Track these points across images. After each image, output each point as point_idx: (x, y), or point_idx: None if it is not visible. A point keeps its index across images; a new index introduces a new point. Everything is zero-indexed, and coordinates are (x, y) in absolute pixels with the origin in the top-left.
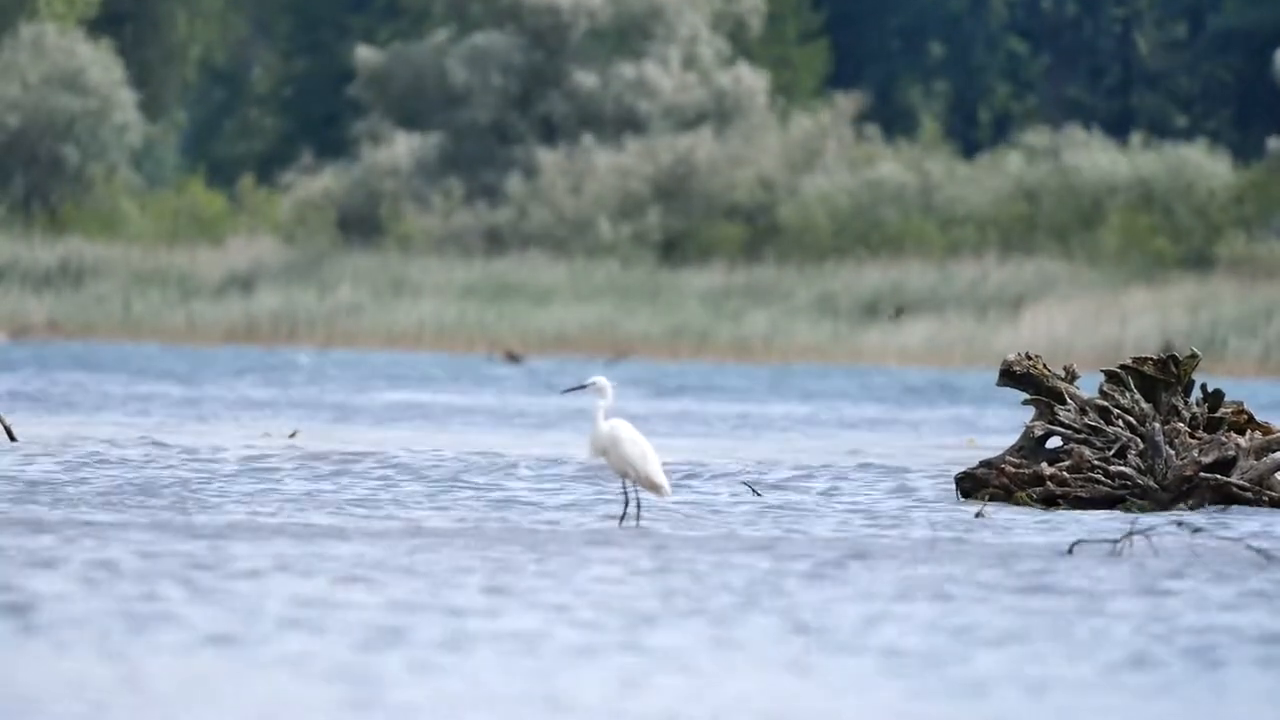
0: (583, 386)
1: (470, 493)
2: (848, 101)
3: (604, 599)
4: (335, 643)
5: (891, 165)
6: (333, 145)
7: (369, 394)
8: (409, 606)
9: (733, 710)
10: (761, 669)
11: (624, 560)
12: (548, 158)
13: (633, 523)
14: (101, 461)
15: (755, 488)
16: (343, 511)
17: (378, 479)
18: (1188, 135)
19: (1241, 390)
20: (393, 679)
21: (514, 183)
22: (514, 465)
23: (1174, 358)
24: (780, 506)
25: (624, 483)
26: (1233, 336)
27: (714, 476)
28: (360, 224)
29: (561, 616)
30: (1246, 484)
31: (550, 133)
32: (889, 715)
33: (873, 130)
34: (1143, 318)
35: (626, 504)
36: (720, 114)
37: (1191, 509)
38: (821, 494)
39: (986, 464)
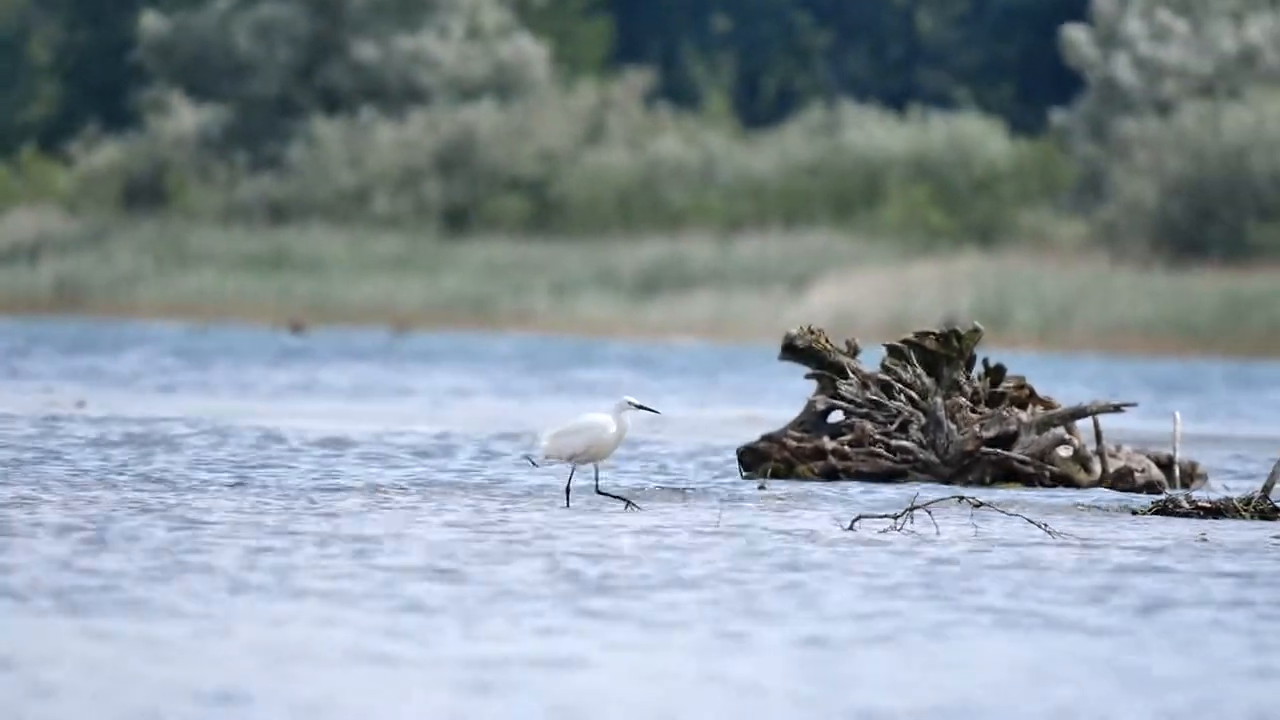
0: (651, 409)
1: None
2: (636, 76)
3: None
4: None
5: (674, 139)
6: (117, 115)
7: (158, 365)
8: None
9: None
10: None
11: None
12: (327, 129)
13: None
14: None
15: (533, 459)
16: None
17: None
18: (969, 110)
19: (1023, 364)
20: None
21: (295, 154)
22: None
23: (956, 332)
24: (563, 480)
25: (574, 468)
26: (1015, 310)
27: (495, 449)
28: (145, 194)
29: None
30: (1028, 459)
31: (333, 104)
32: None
33: (659, 104)
34: (927, 292)
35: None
36: (502, 86)
37: (973, 483)
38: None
39: (768, 438)
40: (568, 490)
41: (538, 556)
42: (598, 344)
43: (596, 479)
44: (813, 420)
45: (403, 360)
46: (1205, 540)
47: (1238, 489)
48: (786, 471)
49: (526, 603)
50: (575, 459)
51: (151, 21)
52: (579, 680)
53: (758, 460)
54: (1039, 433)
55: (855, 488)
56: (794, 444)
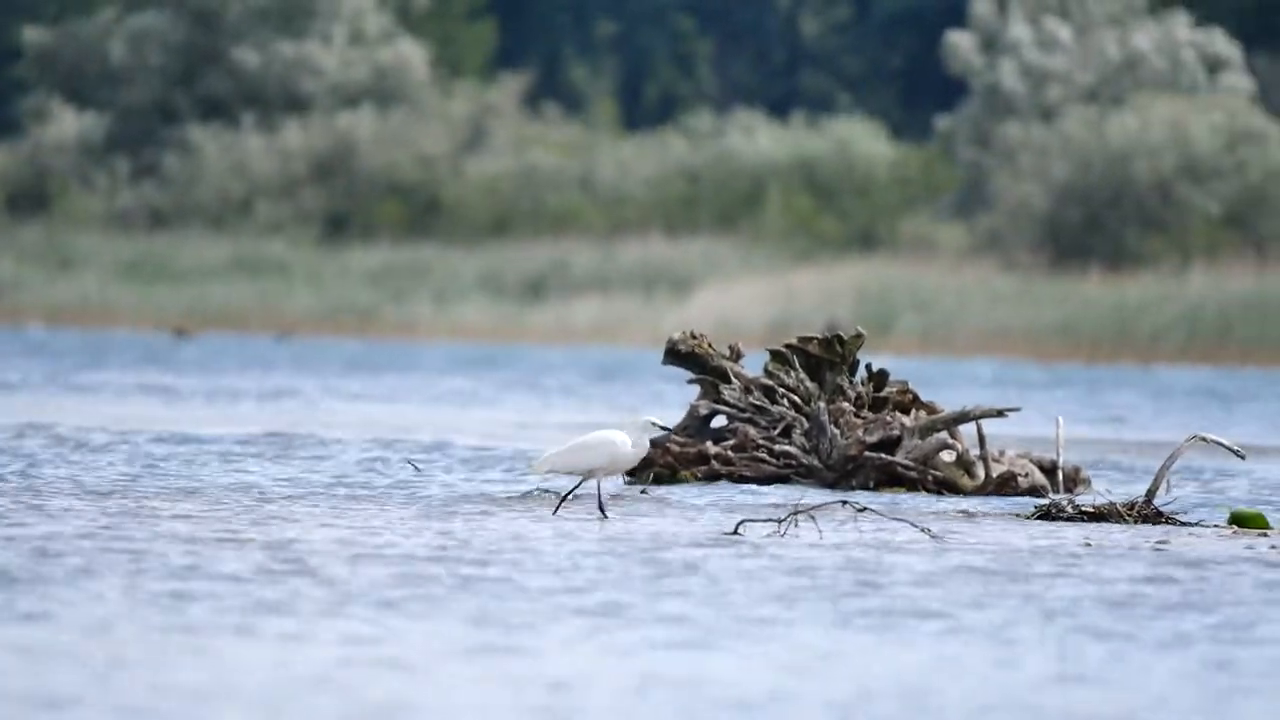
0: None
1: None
2: (515, 80)
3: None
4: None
5: (556, 144)
6: (1, 123)
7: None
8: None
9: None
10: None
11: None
12: (203, 137)
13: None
14: None
15: (416, 464)
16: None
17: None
18: (852, 115)
19: (907, 369)
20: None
21: (172, 162)
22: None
23: (839, 337)
24: (449, 486)
25: (583, 481)
26: (899, 316)
27: (382, 456)
28: (28, 201)
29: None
30: (911, 463)
31: (213, 112)
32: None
33: (541, 109)
34: (809, 297)
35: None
36: (382, 91)
37: (856, 488)
38: (476, 469)
39: (651, 442)
40: (600, 504)
41: (404, 560)
42: (480, 350)
43: (573, 490)
44: (696, 425)
45: (297, 366)
46: (1089, 545)
47: (1121, 494)
48: (670, 476)
49: (374, 601)
50: (593, 474)
51: (34, 33)
52: (436, 682)
53: (641, 465)
54: (922, 437)
55: (738, 492)
56: (677, 449)
